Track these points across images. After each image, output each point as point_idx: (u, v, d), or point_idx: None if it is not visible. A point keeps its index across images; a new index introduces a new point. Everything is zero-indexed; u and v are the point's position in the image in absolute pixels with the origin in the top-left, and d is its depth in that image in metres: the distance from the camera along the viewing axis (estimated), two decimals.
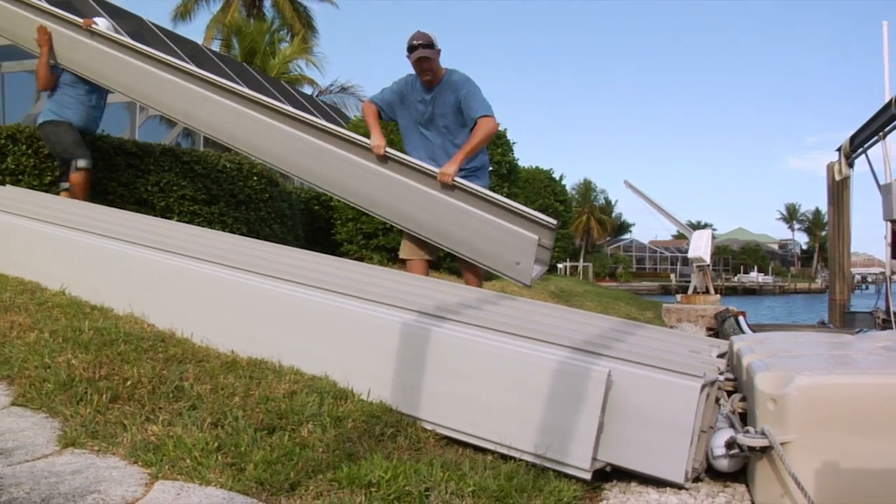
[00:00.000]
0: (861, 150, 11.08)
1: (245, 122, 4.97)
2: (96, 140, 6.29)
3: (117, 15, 11.56)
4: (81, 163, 5.61)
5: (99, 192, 6.22)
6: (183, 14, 28.06)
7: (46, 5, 5.79)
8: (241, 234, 7.19)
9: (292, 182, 9.75)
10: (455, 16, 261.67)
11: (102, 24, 5.77)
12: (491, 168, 7.37)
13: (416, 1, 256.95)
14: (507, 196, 5.68)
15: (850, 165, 11.70)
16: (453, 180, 4.31)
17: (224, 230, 7.06)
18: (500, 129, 8.73)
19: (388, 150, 4.51)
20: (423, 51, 4.43)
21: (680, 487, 2.52)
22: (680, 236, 24.84)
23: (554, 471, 2.54)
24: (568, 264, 34.80)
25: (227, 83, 5.13)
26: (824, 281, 48.61)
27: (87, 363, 2.82)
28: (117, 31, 5.92)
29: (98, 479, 2.04)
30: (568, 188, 11.16)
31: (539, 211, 4.31)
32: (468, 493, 2.22)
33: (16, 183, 6.04)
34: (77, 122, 5.73)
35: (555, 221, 4.32)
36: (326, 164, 4.71)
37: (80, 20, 5.63)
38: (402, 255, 4.76)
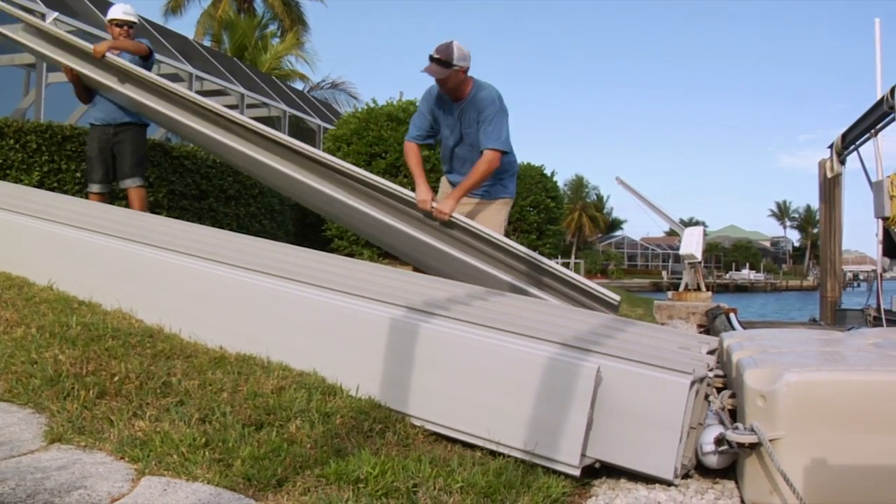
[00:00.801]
0: (853, 147, 11.10)
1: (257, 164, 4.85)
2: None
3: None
4: (91, 188, 5.75)
5: None
6: (174, 9, 27.96)
7: (59, 32, 5.54)
8: (231, 229, 7.16)
9: None
10: (449, 14, 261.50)
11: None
12: None
13: (408, 1, 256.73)
14: None
15: (842, 162, 11.72)
16: (451, 217, 4.08)
17: (214, 226, 7.04)
18: None
19: (434, 204, 4.17)
20: (432, 66, 4.03)
21: (669, 484, 2.52)
22: (672, 233, 24.86)
23: (543, 467, 2.54)
24: (559, 261, 34.82)
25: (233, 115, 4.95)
26: (816, 278, 48.78)
27: (74, 359, 2.80)
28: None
29: (84, 475, 2.03)
30: (560, 184, 11.12)
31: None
32: (456, 489, 2.22)
33: (3, 177, 6.00)
34: (100, 117, 5.71)
35: (618, 297, 4.00)
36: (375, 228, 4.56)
37: (91, 48, 5.24)
38: None
